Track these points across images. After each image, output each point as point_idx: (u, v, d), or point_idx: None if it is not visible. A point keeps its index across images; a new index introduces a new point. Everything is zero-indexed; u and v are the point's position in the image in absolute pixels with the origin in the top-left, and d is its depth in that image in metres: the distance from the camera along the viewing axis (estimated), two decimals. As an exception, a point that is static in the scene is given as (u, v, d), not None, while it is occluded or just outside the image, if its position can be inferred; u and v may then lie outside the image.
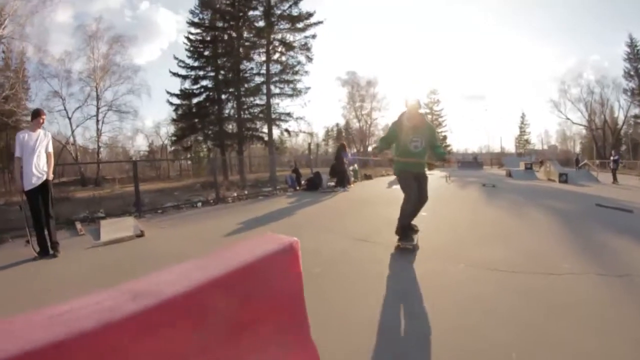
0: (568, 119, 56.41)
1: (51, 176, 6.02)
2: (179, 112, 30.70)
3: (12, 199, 17.67)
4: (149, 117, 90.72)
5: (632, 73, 48.62)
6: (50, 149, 6.08)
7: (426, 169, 5.92)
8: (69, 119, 35.18)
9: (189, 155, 36.38)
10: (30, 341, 0.81)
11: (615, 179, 21.12)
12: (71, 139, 36.43)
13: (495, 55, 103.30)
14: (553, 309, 3.29)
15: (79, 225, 8.16)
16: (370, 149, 51.89)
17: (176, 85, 39.67)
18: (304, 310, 1.68)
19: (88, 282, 4.52)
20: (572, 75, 71.09)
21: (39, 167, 5.82)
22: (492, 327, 2.97)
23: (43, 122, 6.09)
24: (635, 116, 50.81)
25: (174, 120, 33.58)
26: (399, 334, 2.96)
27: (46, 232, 5.91)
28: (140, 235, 7.03)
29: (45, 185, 5.90)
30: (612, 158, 22.47)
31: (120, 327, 0.98)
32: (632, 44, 48.44)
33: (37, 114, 6.08)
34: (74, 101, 36.35)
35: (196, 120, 29.75)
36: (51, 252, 5.86)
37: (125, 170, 36.50)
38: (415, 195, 5.45)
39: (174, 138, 33.93)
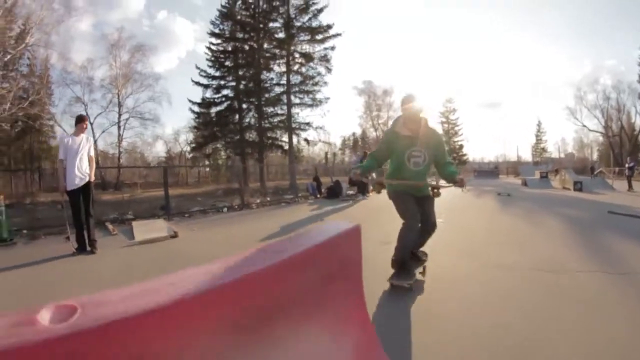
0: (584, 126, 55.81)
1: (93, 178, 6.41)
2: (200, 120, 31.36)
3: (38, 199, 18.38)
4: (168, 125, 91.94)
5: (646, 77, 48.17)
6: (92, 153, 6.48)
7: (430, 192, 4.27)
8: (91, 124, 35.95)
9: (207, 162, 37.01)
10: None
11: (630, 186, 20.96)
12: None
13: (511, 63, 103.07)
14: (566, 305, 3.51)
15: (110, 226, 8.58)
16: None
17: (196, 94, 40.22)
18: (361, 272, 2.31)
19: (129, 277, 4.84)
20: (587, 81, 71.23)
21: (82, 169, 6.20)
22: (505, 323, 3.17)
23: (86, 127, 6.51)
24: (652, 121, 49.81)
25: (194, 128, 34.32)
26: (416, 329, 3.13)
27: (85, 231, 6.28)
28: (174, 236, 7.38)
29: (87, 186, 6.28)
30: (627, 165, 22.44)
31: (262, 273, 1.41)
32: (645, 48, 47.87)
33: (80, 119, 6.50)
34: (96, 107, 37.28)
35: (217, 128, 30.29)
36: (89, 249, 6.22)
37: (143, 176, 37.26)
38: (416, 220, 4.02)
39: (194, 145, 34.66)
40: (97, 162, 7.35)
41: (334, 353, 1.79)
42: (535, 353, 2.63)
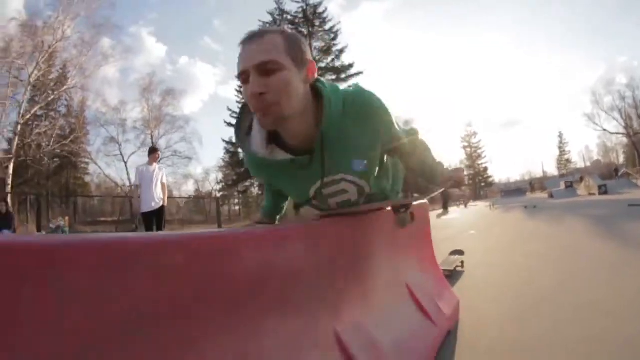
0: (605, 130, 53.62)
1: (166, 202, 7.37)
2: (233, 159, 32.78)
3: (77, 228, 19.60)
4: (196, 164, 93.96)
5: (657, 68, 46.51)
6: (165, 180, 7.47)
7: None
8: (125, 163, 36.95)
9: (238, 200, 38.01)
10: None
11: None
12: (127, 182, 38.31)
13: (526, 78, 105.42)
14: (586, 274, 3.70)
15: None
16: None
17: (225, 133, 41.75)
18: (430, 233, 3.02)
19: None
20: (602, 83, 69.95)
21: (157, 194, 7.17)
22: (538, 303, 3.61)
23: (158, 157, 7.52)
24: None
25: (228, 166, 35.65)
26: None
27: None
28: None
29: (161, 209, 7.24)
30: (650, 160, 22.62)
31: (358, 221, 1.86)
32: (651, 38, 46.77)
33: (153, 150, 7.54)
34: (130, 147, 38.40)
35: (251, 166, 31.63)
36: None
37: (172, 214, 37.90)
38: None
39: (229, 183, 36.38)
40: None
41: (429, 280, 2.53)
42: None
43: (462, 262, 4.43)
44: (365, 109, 1.47)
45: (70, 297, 0.70)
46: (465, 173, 1.80)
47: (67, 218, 9.83)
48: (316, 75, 1.39)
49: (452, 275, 3.96)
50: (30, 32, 27.15)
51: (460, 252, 4.79)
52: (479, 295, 3.18)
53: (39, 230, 12.08)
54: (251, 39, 1.25)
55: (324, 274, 1.46)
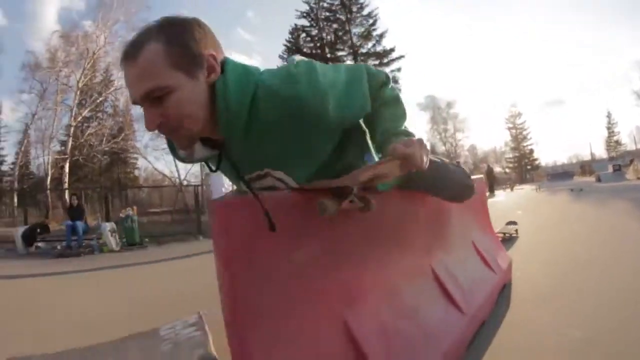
0: None
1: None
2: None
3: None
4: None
5: None
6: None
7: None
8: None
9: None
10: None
11: None
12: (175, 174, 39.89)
13: (570, 55, 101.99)
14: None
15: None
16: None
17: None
18: (487, 205, 3.64)
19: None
20: None
21: (226, 181, 7.91)
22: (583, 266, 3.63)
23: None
24: None
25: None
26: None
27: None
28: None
29: (231, 196, 7.96)
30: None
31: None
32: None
33: None
34: None
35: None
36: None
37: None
38: None
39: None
40: (181, 189, 9.03)
41: (489, 241, 3.11)
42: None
43: (517, 230, 5.50)
44: (281, 110, 1.13)
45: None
46: (428, 146, 1.20)
47: (135, 208, 11.03)
48: (218, 68, 1.13)
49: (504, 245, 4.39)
50: (74, 41, 29.12)
51: (514, 223, 5.84)
52: (529, 265, 3.59)
53: (107, 219, 13.32)
54: (127, 60, 1.06)
55: (421, 227, 2.12)
